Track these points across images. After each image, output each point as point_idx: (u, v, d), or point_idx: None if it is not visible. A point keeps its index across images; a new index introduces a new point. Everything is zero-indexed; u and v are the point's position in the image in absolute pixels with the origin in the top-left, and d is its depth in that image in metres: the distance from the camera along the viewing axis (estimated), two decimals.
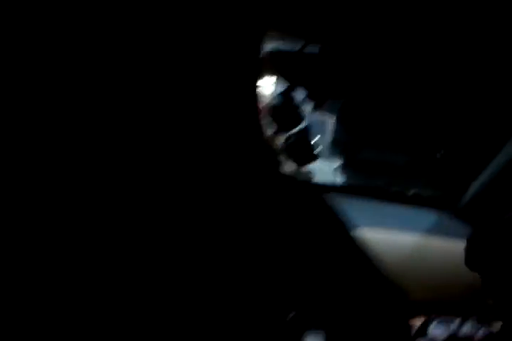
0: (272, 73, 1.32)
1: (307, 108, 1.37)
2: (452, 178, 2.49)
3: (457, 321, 1.31)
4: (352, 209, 1.98)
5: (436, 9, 1.07)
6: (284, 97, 1.34)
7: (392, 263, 1.73)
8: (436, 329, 1.21)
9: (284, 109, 1.33)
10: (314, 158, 1.42)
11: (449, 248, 1.80)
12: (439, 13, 1.08)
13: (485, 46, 1.26)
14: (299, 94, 1.34)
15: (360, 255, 1.69)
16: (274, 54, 1.32)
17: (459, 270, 1.75)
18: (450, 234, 1.86)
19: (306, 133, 1.41)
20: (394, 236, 1.78)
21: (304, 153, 1.41)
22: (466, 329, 1.22)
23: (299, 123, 1.37)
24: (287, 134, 1.43)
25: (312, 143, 1.41)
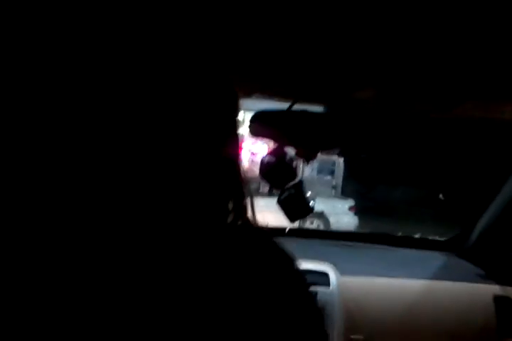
0: (261, 133, 1.37)
1: (298, 164, 1.41)
2: (456, 221, 2.49)
3: None
4: (358, 255, 1.98)
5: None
6: (275, 155, 1.38)
7: (406, 307, 1.72)
8: None
9: (276, 167, 1.37)
10: (308, 212, 1.45)
11: (456, 291, 1.78)
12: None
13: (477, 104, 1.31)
14: (290, 151, 1.39)
15: (364, 301, 1.68)
16: (262, 114, 1.37)
17: (468, 313, 1.73)
18: (457, 276, 1.85)
19: (299, 188, 1.44)
20: (400, 281, 1.77)
21: (298, 207, 1.43)
22: None
23: (293, 179, 1.40)
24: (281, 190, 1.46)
25: (306, 197, 1.44)
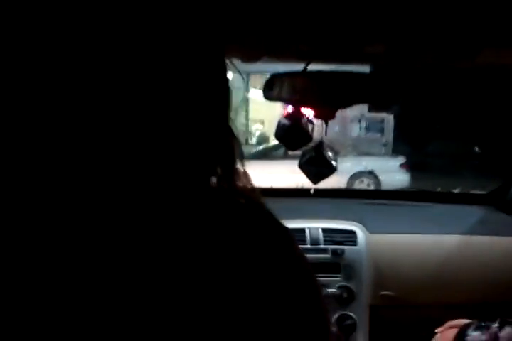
0: (276, 96, 1.36)
1: (314, 126, 1.39)
2: (496, 174, 2.41)
3: (497, 324, 1.28)
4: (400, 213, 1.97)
5: None
6: (290, 118, 1.37)
7: (439, 263, 1.70)
8: (475, 333, 1.19)
9: (290, 129, 1.37)
10: (330, 172, 1.44)
11: (494, 245, 1.75)
12: None
13: None
14: (306, 113, 1.37)
15: (405, 256, 1.68)
16: (276, 77, 1.36)
17: (507, 267, 1.69)
18: (496, 230, 1.81)
19: (319, 150, 1.43)
20: (434, 237, 1.75)
21: (320, 169, 1.43)
22: (507, 332, 1.19)
23: (308, 142, 1.39)
24: (302, 152, 1.46)
25: (328, 157, 1.43)
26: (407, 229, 1.76)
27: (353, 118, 9.54)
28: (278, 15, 1.07)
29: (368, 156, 8.81)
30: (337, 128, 9.66)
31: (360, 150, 9.09)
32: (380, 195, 2.32)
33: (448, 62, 1.32)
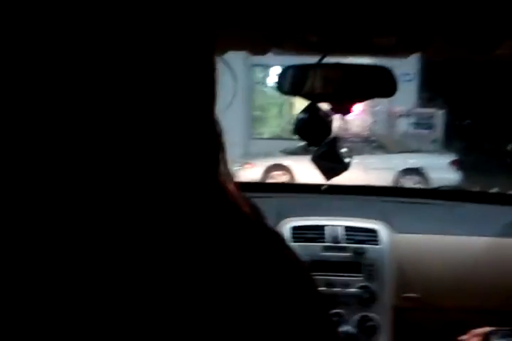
0: (291, 90, 1.32)
1: (333, 119, 1.35)
2: None
3: None
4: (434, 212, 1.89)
5: None
6: (308, 112, 1.33)
7: (467, 266, 1.63)
8: None
9: (309, 124, 1.32)
10: (343, 169, 1.38)
11: None
12: None
13: None
14: (323, 107, 1.33)
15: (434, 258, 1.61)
16: (291, 69, 1.32)
17: None
18: None
19: (333, 145, 1.38)
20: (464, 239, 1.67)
21: (332, 164, 1.38)
22: None
23: (328, 136, 1.35)
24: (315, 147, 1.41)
25: (340, 154, 1.38)
26: (434, 229, 1.69)
27: (401, 113, 9.29)
28: (283, 5, 1.04)
29: (416, 153, 8.56)
30: (385, 123, 9.45)
31: (408, 146, 8.83)
32: (410, 193, 2.24)
33: (465, 55, 1.25)
